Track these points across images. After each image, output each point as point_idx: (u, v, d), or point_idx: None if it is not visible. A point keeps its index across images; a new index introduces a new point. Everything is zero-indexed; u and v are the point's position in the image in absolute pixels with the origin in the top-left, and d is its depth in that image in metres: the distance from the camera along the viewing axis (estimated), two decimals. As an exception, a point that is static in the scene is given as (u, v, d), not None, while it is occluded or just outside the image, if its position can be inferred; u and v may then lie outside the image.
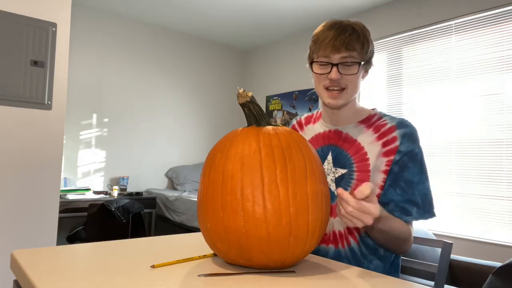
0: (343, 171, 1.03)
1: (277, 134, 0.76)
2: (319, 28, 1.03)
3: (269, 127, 0.78)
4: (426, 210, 0.98)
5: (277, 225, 0.68)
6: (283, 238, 0.69)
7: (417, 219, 0.97)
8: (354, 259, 1.00)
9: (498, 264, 1.94)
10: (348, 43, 0.96)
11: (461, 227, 3.09)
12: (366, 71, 1.05)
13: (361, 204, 0.74)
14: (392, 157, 0.98)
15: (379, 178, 0.98)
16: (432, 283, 1.39)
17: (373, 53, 1.03)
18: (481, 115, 3.04)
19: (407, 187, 0.97)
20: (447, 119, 3.23)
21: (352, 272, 0.77)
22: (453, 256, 2.07)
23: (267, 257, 0.71)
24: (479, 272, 1.94)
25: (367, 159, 1.00)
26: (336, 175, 1.04)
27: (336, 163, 1.05)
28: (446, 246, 1.13)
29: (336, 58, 0.97)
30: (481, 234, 2.97)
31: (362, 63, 0.99)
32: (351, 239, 1.01)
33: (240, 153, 0.72)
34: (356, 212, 0.74)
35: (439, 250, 2.10)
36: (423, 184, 0.98)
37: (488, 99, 3.00)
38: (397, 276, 1.05)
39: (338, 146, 1.06)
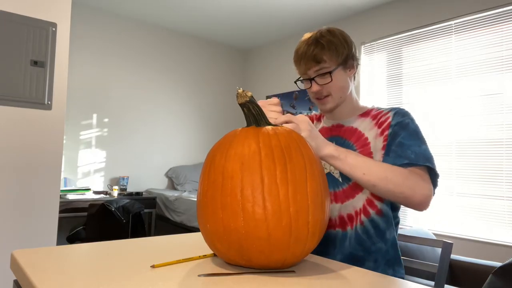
0: None
1: (277, 134, 0.76)
2: (297, 45, 1.15)
3: (269, 127, 0.78)
4: (420, 160, 0.95)
5: (277, 226, 0.68)
6: (283, 238, 0.69)
7: (409, 165, 0.94)
8: (357, 241, 1.03)
9: (498, 264, 1.94)
10: (314, 56, 1.06)
11: (461, 227, 3.09)
12: (351, 67, 1.11)
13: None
14: (386, 133, 1.03)
15: (379, 156, 1.03)
16: (432, 283, 1.39)
17: (350, 50, 1.09)
18: (481, 115, 3.04)
19: (399, 148, 0.98)
20: (447, 119, 3.23)
21: (352, 272, 0.77)
22: (453, 256, 2.07)
23: (267, 257, 0.71)
24: (479, 272, 1.94)
25: (368, 144, 1.06)
26: None
27: None
28: (446, 246, 1.13)
29: (311, 72, 1.09)
30: (481, 234, 2.97)
31: (335, 68, 1.06)
32: (364, 218, 1.03)
33: (240, 153, 0.72)
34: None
35: (439, 250, 2.11)
36: (419, 147, 0.97)
37: (488, 99, 3.00)
38: (398, 255, 1.06)
39: (340, 137, 1.13)
